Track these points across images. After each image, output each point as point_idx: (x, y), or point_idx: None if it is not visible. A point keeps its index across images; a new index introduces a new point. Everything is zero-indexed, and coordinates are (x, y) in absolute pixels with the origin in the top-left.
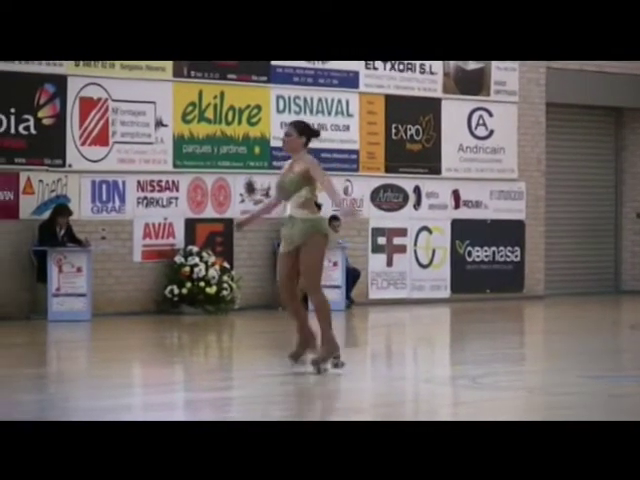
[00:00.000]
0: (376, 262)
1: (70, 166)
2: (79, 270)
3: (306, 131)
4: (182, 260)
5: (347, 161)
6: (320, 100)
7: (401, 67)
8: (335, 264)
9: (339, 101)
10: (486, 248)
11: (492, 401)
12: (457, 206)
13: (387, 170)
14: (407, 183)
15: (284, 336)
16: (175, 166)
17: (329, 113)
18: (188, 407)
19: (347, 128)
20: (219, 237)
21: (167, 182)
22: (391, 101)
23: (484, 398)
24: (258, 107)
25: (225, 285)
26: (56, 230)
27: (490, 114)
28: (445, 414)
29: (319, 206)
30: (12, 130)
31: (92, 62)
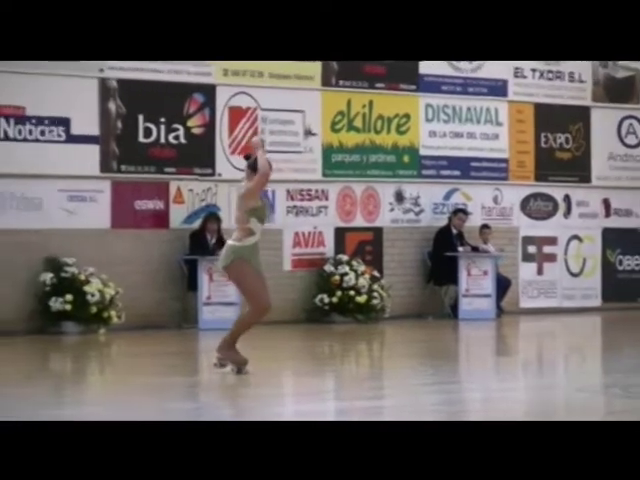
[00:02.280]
0: (526, 271)
1: (220, 175)
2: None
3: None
4: (332, 269)
5: (497, 170)
6: (469, 109)
7: (550, 75)
8: (485, 273)
9: (488, 110)
10: (637, 257)
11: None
12: (607, 215)
13: (537, 179)
14: (557, 192)
15: (434, 345)
16: (324, 175)
17: (478, 122)
18: (340, 416)
19: (496, 137)
20: (369, 246)
21: (316, 191)
22: (540, 109)
23: (636, 407)
24: (407, 116)
25: (375, 294)
26: (207, 239)
27: None
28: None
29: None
30: (162, 140)
31: (241, 72)
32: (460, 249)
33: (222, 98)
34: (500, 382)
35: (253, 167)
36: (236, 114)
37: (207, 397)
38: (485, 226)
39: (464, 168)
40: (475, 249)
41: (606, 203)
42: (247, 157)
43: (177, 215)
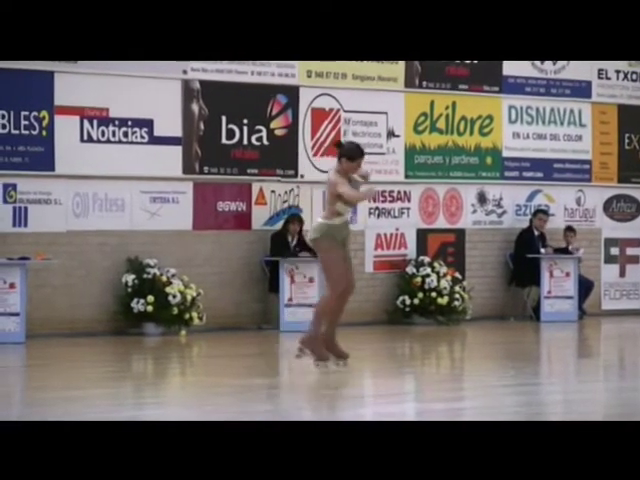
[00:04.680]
0: (609, 273)
1: (302, 177)
2: (311, 280)
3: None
4: (414, 270)
5: (580, 171)
6: (552, 110)
7: (634, 76)
8: (568, 274)
9: (571, 111)
10: None
11: None
12: None
13: (620, 180)
14: None
15: (516, 347)
16: (407, 177)
17: (561, 123)
18: (419, 418)
19: (579, 138)
20: (451, 247)
21: (399, 192)
22: (624, 111)
23: None
24: (490, 117)
25: (457, 295)
26: (288, 240)
27: None
28: None
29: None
30: (245, 141)
31: (324, 73)
32: (542, 250)
33: (305, 99)
34: (581, 384)
35: (341, 154)
36: (319, 115)
37: (287, 398)
38: (569, 228)
39: (547, 170)
40: (561, 250)
41: None
42: (338, 144)
43: (259, 216)
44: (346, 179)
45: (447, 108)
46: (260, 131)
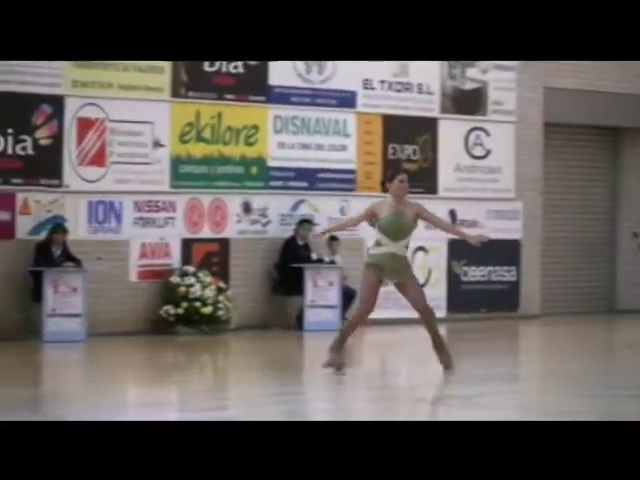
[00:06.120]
0: None
1: (67, 186)
2: (74, 290)
3: None
4: (178, 280)
5: (344, 181)
6: (317, 120)
7: (398, 87)
8: (331, 284)
9: (336, 121)
10: (482, 267)
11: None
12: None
13: (384, 190)
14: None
15: (279, 356)
16: (172, 186)
17: (326, 133)
18: None
19: (344, 148)
20: (215, 257)
21: (164, 202)
22: (388, 121)
23: (476, 417)
24: (255, 127)
25: (221, 305)
26: (52, 250)
27: (487, 134)
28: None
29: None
30: (9, 151)
31: (90, 82)
32: (314, 256)
33: (71, 109)
34: (344, 393)
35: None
36: (85, 125)
37: (50, 408)
38: (333, 238)
39: (312, 179)
40: (320, 261)
41: (452, 214)
42: (389, 177)
43: (24, 226)
44: (392, 205)
45: (213, 118)
46: (25, 141)
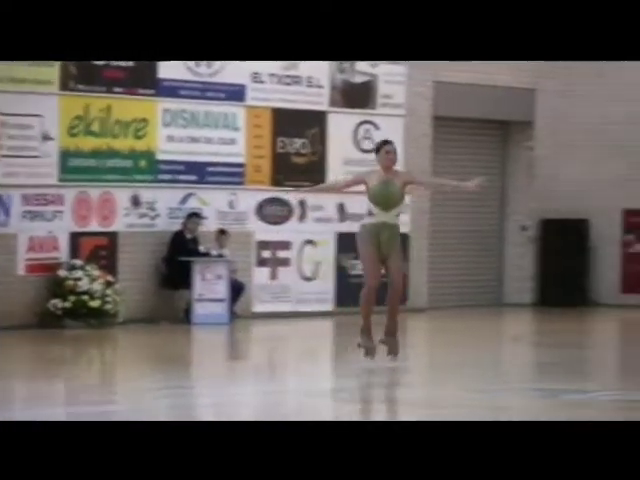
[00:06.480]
0: (260, 275)
1: None
2: None
3: None
4: (66, 274)
5: (233, 174)
6: (207, 113)
7: (288, 80)
8: (219, 277)
9: (225, 115)
10: None
11: (378, 412)
12: (342, 219)
13: (273, 183)
14: (292, 196)
15: (167, 350)
16: (60, 180)
17: (216, 126)
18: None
19: (233, 142)
20: (103, 251)
21: (52, 196)
22: (277, 114)
23: (365, 412)
24: (145, 120)
25: (109, 299)
26: None
27: (377, 127)
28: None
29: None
30: None
31: None
32: (202, 249)
33: None
34: (231, 387)
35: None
36: None
37: None
38: (222, 231)
39: (200, 173)
40: (207, 254)
41: (341, 208)
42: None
43: None
44: (381, 175)
45: (102, 111)
46: None
